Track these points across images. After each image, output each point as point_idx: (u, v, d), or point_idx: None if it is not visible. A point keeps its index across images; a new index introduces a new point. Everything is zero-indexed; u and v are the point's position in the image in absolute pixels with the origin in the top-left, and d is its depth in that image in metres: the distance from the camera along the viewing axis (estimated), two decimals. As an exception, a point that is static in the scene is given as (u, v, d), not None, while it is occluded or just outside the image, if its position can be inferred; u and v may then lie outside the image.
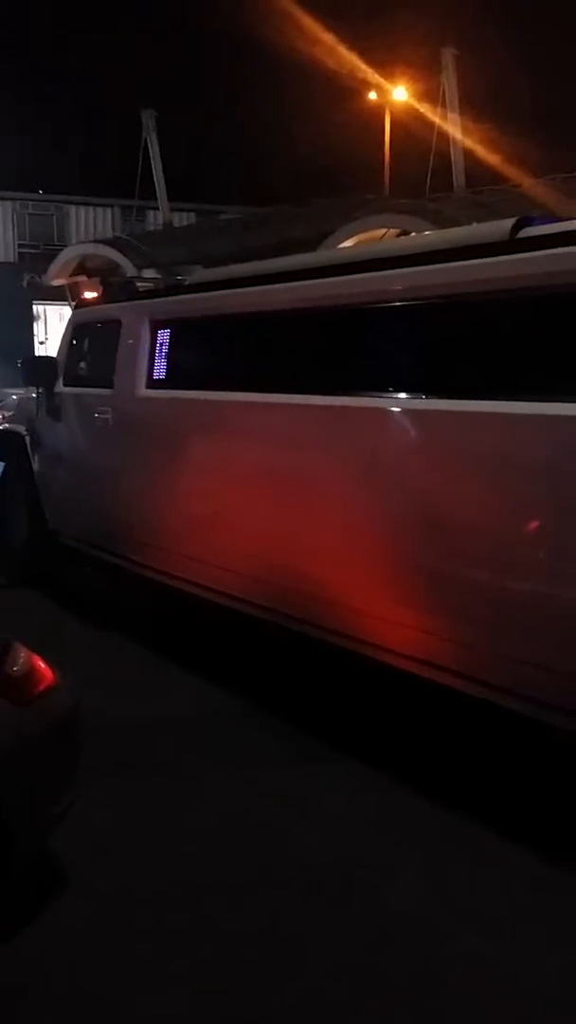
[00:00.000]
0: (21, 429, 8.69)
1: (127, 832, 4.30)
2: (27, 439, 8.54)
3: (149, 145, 29.89)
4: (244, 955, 3.46)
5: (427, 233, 6.61)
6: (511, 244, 4.32)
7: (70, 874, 3.92)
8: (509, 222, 4.49)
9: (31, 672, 3.68)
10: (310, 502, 5.18)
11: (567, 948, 3.49)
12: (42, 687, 3.66)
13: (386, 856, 4.14)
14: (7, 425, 9.18)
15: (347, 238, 20.58)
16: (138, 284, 8.68)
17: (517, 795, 4.61)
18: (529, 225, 4.45)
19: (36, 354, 18.30)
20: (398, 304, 4.85)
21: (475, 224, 5.33)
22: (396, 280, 4.80)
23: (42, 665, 3.75)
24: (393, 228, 19.56)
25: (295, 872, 4.00)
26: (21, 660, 3.69)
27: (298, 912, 3.72)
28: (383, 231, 20.12)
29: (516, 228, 4.43)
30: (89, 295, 7.98)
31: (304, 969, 3.39)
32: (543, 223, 4.43)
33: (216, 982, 3.32)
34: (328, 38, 27.52)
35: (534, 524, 4.06)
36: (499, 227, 4.54)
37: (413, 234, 7.02)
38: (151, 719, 5.58)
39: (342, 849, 4.19)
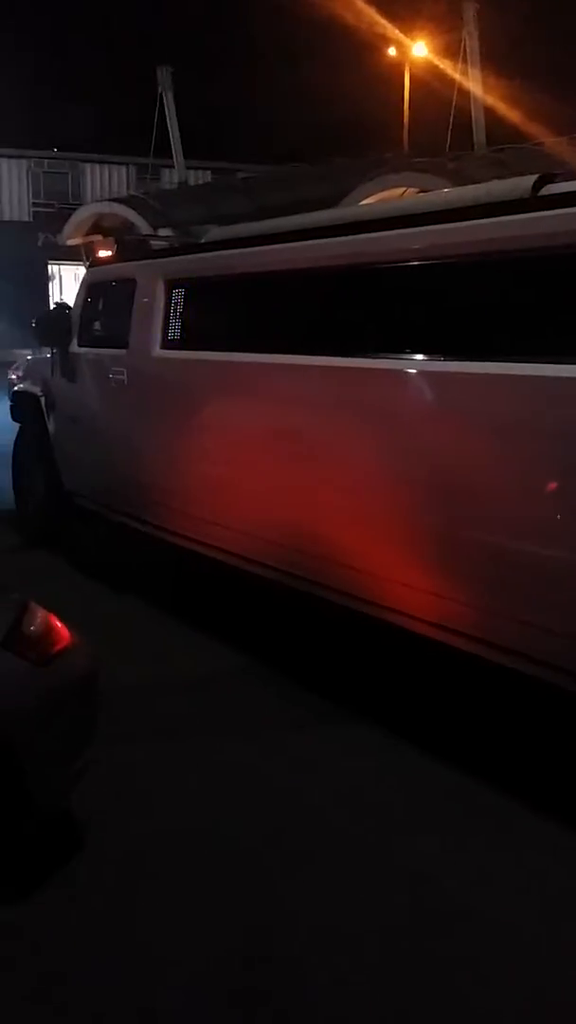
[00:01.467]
0: (36, 390, 8.67)
1: (144, 795, 4.32)
2: (42, 400, 8.53)
3: (165, 102, 29.53)
4: (252, 918, 3.49)
5: (446, 190, 6.50)
6: (533, 201, 4.25)
7: (82, 837, 3.95)
8: (531, 179, 4.42)
9: (48, 632, 3.69)
10: (327, 464, 5.14)
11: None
12: (59, 647, 3.67)
13: (399, 816, 4.16)
14: (22, 386, 9.16)
15: (365, 197, 20.30)
16: (153, 243, 8.61)
17: (531, 758, 4.61)
18: (551, 182, 4.38)
19: (50, 308, 18.24)
20: (416, 263, 4.77)
21: (495, 181, 5.24)
22: (414, 238, 4.72)
23: (59, 625, 3.76)
24: (412, 187, 19.32)
25: (308, 832, 4.03)
26: (38, 620, 3.70)
27: (309, 872, 3.75)
28: (402, 190, 19.88)
29: (538, 185, 4.36)
30: (103, 254, 7.90)
31: (308, 925, 3.41)
32: (565, 180, 4.35)
33: (225, 938, 3.35)
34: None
35: (553, 486, 4.02)
36: (520, 184, 4.47)
37: (432, 192, 6.90)
38: (165, 682, 5.61)
39: (355, 810, 4.21)
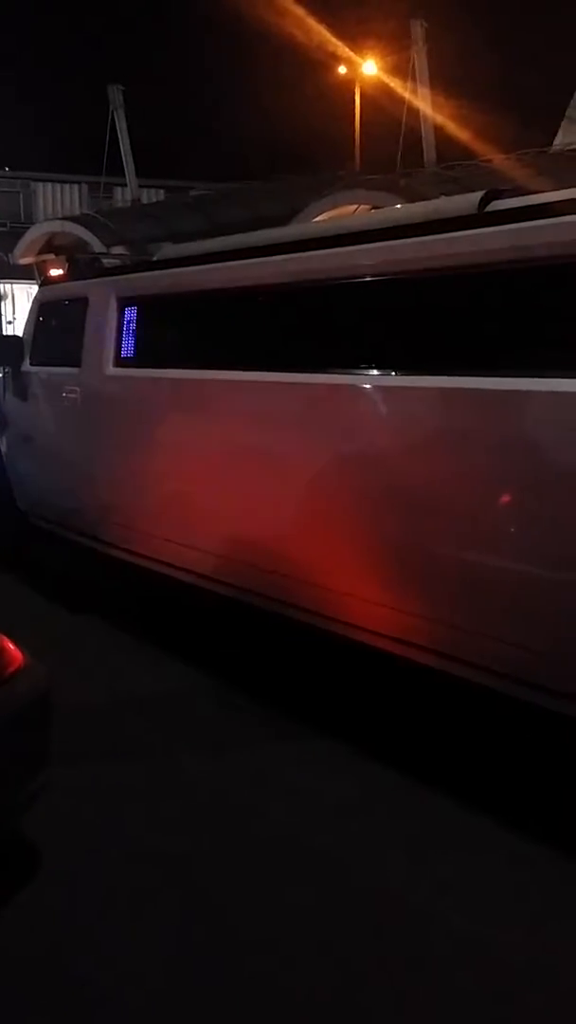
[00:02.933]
0: (-12, 409, 8.59)
1: (100, 816, 4.28)
2: (-6, 419, 8.46)
3: (116, 121, 29.52)
4: (230, 934, 3.46)
5: (397, 207, 6.55)
6: (479, 217, 4.29)
7: (42, 859, 3.89)
8: (478, 195, 4.46)
9: (0, 654, 3.64)
10: (281, 480, 5.15)
11: (550, 924, 3.51)
12: (11, 669, 3.63)
13: (368, 835, 4.14)
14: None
15: (318, 214, 20.42)
16: (104, 261, 8.59)
17: (499, 774, 4.62)
18: (498, 199, 4.43)
19: (2, 333, 18.08)
20: (367, 279, 4.79)
21: (444, 198, 5.29)
22: (364, 255, 4.75)
23: (11, 647, 3.71)
24: (364, 204, 19.45)
25: (276, 852, 4.01)
26: (-11, 642, 3.65)
27: (281, 891, 3.73)
28: (354, 207, 20.00)
29: (484, 201, 4.41)
30: (55, 272, 7.86)
31: (285, 943, 3.39)
32: (512, 196, 4.40)
33: (194, 965, 3.32)
34: (297, 10, 27.25)
35: (510, 500, 4.04)
36: (467, 200, 4.51)
37: (383, 208, 6.96)
38: (124, 701, 5.56)
39: (323, 829, 4.19)
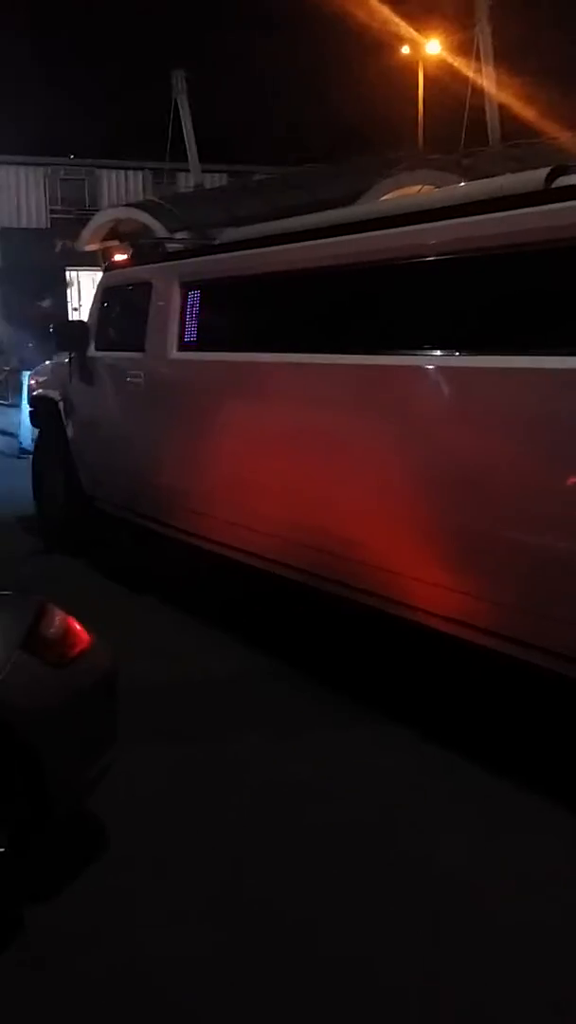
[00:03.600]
0: (55, 394, 8.70)
1: (165, 797, 4.32)
2: (60, 404, 8.55)
3: (179, 106, 29.58)
4: (284, 916, 3.47)
5: (461, 185, 6.47)
6: (546, 194, 4.22)
7: (108, 840, 3.94)
8: (544, 171, 4.38)
9: (67, 635, 3.68)
10: (348, 463, 5.12)
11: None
12: (79, 649, 3.67)
13: (429, 816, 4.13)
14: (41, 391, 9.19)
15: (381, 195, 20.24)
16: (168, 246, 8.62)
17: (562, 758, 4.56)
18: (564, 174, 4.35)
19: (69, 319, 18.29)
20: (432, 258, 4.75)
21: (509, 175, 5.21)
22: (428, 234, 4.71)
23: (78, 628, 3.75)
24: (428, 184, 19.24)
25: (338, 832, 4.01)
26: (57, 623, 3.70)
27: (340, 873, 3.74)
28: (417, 187, 19.81)
29: (551, 177, 4.33)
30: (119, 258, 7.91)
31: (333, 926, 3.40)
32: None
33: (251, 940, 3.34)
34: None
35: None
36: (534, 177, 4.43)
37: (447, 187, 6.87)
38: (188, 683, 5.61)
39: (381, 808, 4.19)
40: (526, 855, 3.81)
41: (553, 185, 4.27)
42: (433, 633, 4.76)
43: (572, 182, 4.23)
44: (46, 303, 28.16)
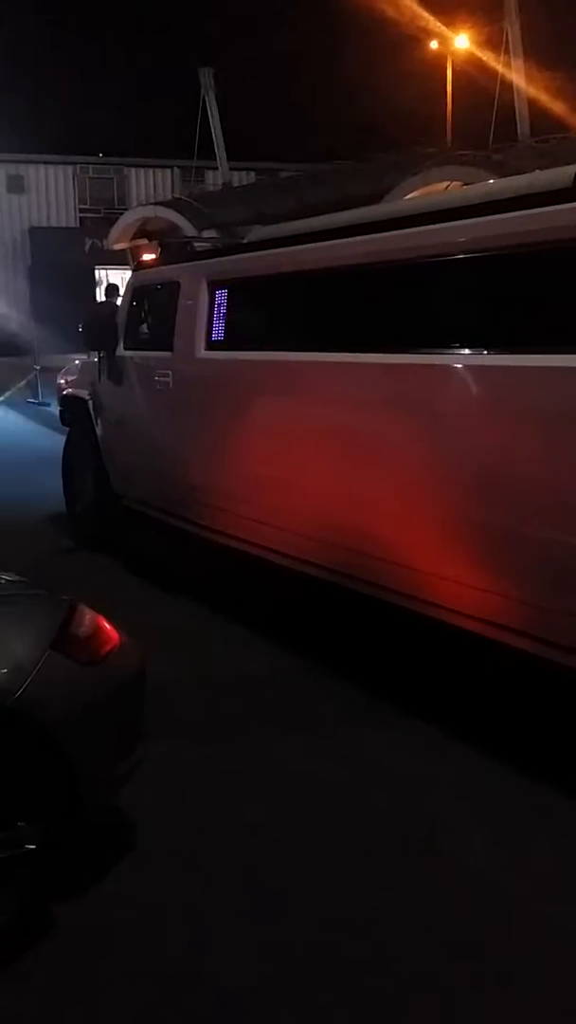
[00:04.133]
0: (84, 394, 8.75)
1: (193, 793, 4.34)
2: (90, 403, 8.60)
3: (207, 104, 29.64)
4: (308, 916, 3.48)
5: (489, 182, 6.44)
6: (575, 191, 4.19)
7: (137, 837, 3.97)
8: (573, 168, 4.35)
9: (97, 633, 3.71)
10: (376, 463, 5.12)
11: None
12: (108, 648, 3.69)
13: (452, 814, 4.13)
14: (71, 390, 9.24)
15: (410, 192, 20.19)
16: (196, 244, 8.64)
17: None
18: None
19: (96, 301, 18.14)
20: (459, 256, 4.73)
21: (538, 171, 5.18)
22: (455, 232, 4.69)
23: (108, 627, 3.78)
24: (457, 181, 19.16)
25: (361, 829, 4.02)
26: (87, 622, 3.72)
27: (362, 870, 3.74)
28: (446, 184, 19.73)
29: (580, 174, 4.30)
30: (147, 257, 7.94)
31: (360, 920, 3.40)
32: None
33: (274, 939, 3.36)
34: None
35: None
36: (563, 174, 4.41)
37: (476, 184, 6.85)
38: (218, 681, 5.62)
39: (408, 806, 4.19)
40: (557, 858, 3.80)
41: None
42: (462, 633, 4.75)
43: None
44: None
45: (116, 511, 8.29)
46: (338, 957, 3.25)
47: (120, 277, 29.27)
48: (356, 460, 5.26)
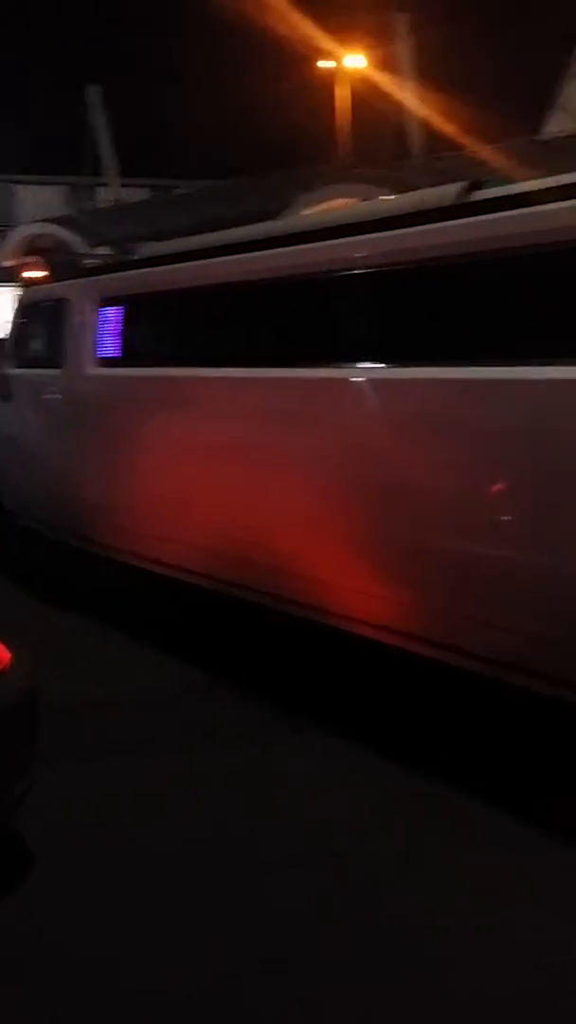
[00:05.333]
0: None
1: (94, 816, 4.17)
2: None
3: (95, 121, 29.48)
4: (221, 923, 3.37)
5: (380, 199, 6.49)
6: (461, 208, 4.23)
7: (34, 859, 3.80)
8: (459, 186, 4.40)
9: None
10: (268, 475, 5.10)
11: (533, 904, 3.42)
12: (-2, 668, 3.57)
13: (356, 818, 4.11)
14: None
15: (306, 209, 20.34)
16: (85, 261, 8.54)
17: (488, 759, 4.54)
18: (479, 188, 4.36)
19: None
20: (348, 272, 4.74)
21: (428, 189, 5.22)
22: (348, 247, 4.71)
23: (-1, 646, 3.65)
24: (352, 197, 19.36)
25: (266, 835, 3.97)
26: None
27: (269, 875, 3.67)
28: (342, 200, 19.93)
29: (466, 191, 4.34)
30: (36, 275, 7.82)
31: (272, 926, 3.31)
32: (495, 186, 4.34)
33: (187, 951, 3.23)
34: (280, 4, 27.09)
35: (503, 488, 3.99)
36: (449, 191, 4.44)
37: (368, 201, 6.91)
38: (119, 700, 5.49)
39: (313, 812, 4.15)
40: (459, 858, 3.76)
41: (467, 200, 4.28)
42: (367, 642, 4.74)
43: (485, 196, 4.24)
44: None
45: (8, 528, 8.10)
46: (241, 1009, 3.15)
47: (10, 294, 28.88)
48: (250, 472, 5.22)
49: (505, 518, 3.98)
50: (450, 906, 3.53)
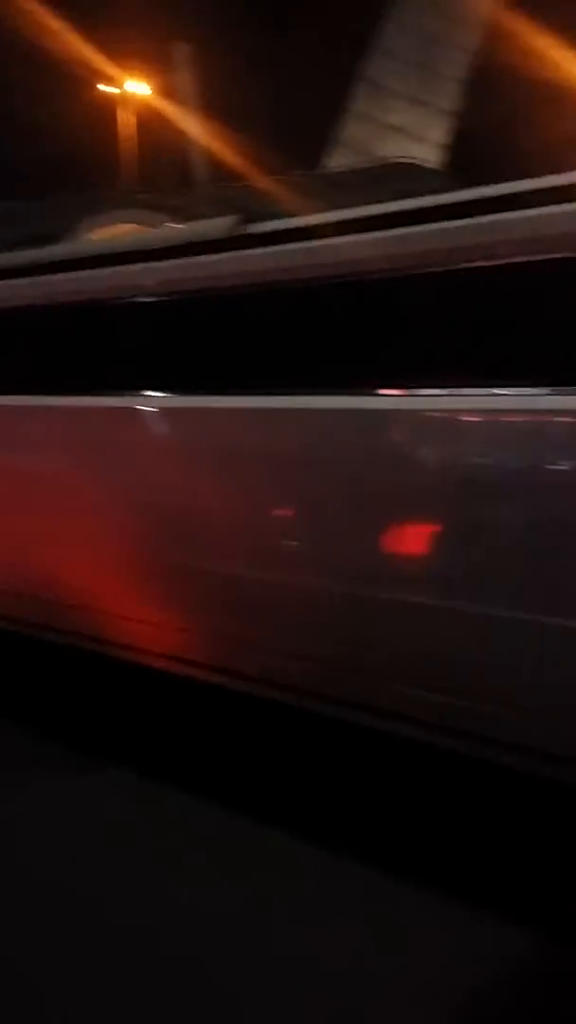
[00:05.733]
0: None
1: None
2: None
3: None
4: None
5: (152, 230, 6.55)
6: (231, 241, 4.35)
7: None
8: (232, 219, 4.50)
9: None
10: (44, 505, 5.04)
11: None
12: None
13: (160, 849, 4.06)
14: None
15: (86, 234, 20.18)
16: None
17: (286, 787, 4.55)
18: (251, 222, 4.49)
19: None
20: (123, 301, 4.77)
21: (201, 221, 5.33)
22: (119, 276, 4.71)
23: None
24: (136, 223, 19.36)
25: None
26: None
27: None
28: (126, 226, 19.89)
29: (239, 224, 4.46)
30: None
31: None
32: (267, 220, 4.48)
33: None
34: (58, 24, 26.82)
35: (282, 513, 4.13)
36: (223, 223, 4.55)
37: (147, 230, 6.94)
38: None
39: (102, 857, 4.03)
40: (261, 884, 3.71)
41: (239, 233, 4.40)
42: (149, 671, 4.77)
43: (256, 231, 4.37)
44: None
45: None
46: None
47: None
48: (31, 504, 5.15)
49: (282, 544, 4.11)
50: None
